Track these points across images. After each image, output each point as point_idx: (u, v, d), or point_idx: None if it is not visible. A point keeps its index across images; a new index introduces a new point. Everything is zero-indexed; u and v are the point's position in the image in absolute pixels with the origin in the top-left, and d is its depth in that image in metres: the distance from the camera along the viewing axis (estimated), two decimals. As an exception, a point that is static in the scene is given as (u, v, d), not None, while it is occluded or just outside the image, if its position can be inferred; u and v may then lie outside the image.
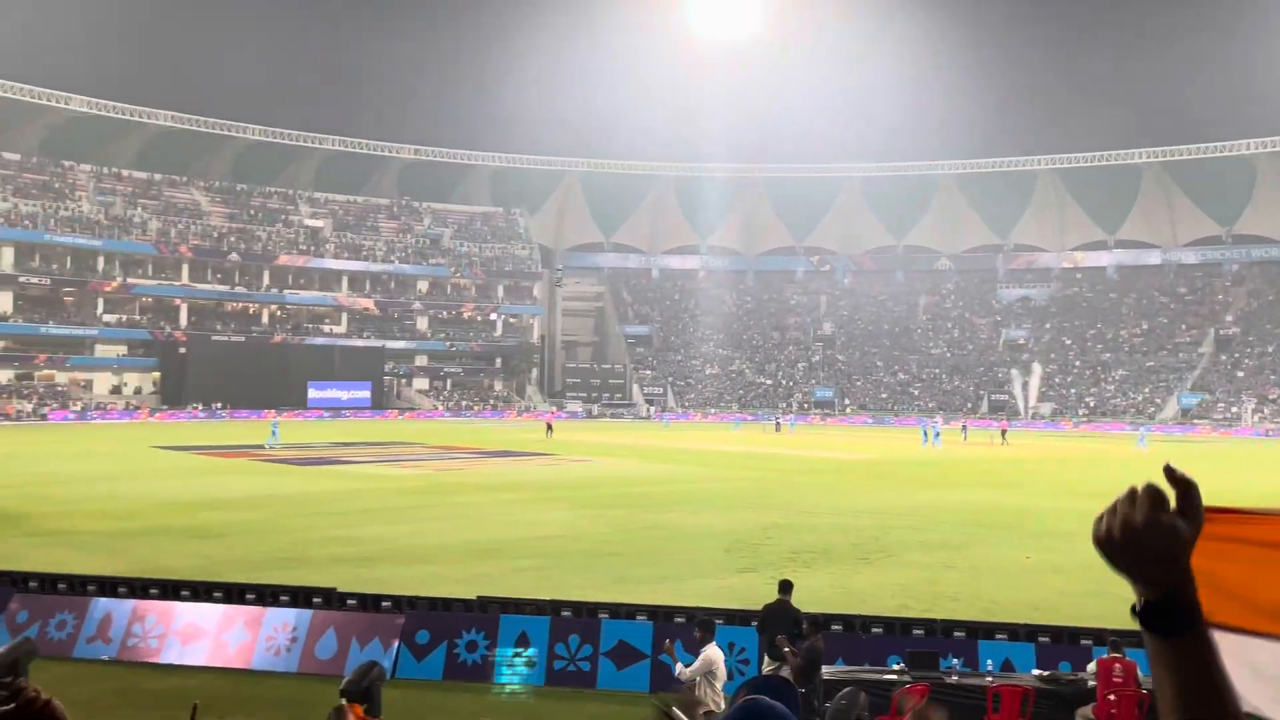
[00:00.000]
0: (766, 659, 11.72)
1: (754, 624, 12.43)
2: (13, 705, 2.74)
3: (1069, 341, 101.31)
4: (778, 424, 76.12)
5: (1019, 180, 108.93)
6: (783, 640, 11.02)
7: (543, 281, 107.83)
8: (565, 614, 13.38)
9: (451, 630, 13.19)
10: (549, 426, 64.35)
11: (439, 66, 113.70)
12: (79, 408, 77.59)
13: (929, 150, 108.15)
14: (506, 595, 14.37)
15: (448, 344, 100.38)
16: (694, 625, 10.79)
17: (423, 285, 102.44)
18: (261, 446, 49.09)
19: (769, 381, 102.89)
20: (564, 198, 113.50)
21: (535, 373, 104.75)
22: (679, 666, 10.03)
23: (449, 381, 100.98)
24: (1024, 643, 12.54)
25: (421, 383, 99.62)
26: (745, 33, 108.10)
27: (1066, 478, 39.89)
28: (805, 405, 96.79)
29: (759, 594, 14.63)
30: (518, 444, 55.45)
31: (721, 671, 9.90)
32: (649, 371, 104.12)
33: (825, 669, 11.14)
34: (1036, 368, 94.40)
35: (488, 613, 13.45)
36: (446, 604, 13.83)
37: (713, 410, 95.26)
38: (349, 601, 13.89)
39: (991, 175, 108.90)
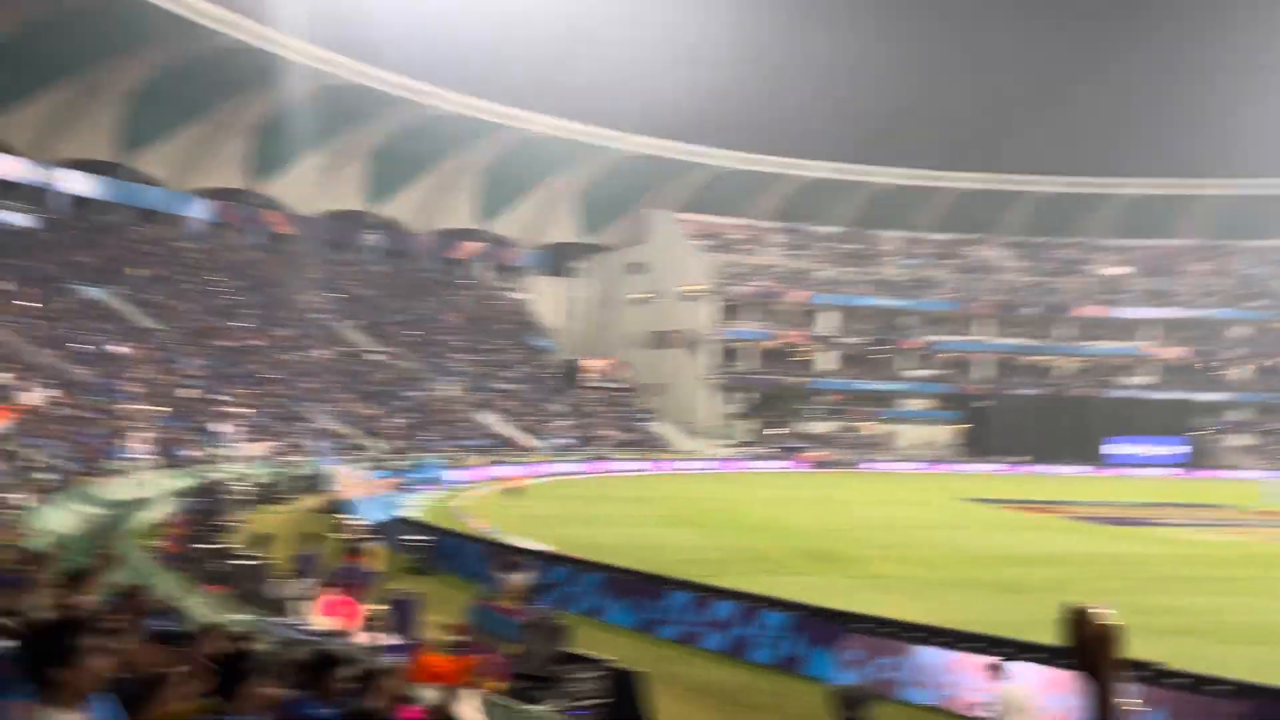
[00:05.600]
0: None
1: None
2: None
3: None
4: None
5: None
6: None
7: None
8: None
9: (1309, 730, 11.28)
10: None
11: (1258, 87, 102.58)
12: (888, 457, 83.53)
13: None
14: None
15: (1274, 396, 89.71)
16: None
17: (1240, 331, 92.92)
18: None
19: None
20: None
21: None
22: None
23: (1274, 438, 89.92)
24: None
25: (1240, 439, 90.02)
26: None
27: None
28: None
29: None
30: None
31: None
32: None
33: None
34: None
35: (1355, 715, 11.26)
36: (1297, 697, 11.87)
37: None
38: (1177, 679, 12.60)
39: None
